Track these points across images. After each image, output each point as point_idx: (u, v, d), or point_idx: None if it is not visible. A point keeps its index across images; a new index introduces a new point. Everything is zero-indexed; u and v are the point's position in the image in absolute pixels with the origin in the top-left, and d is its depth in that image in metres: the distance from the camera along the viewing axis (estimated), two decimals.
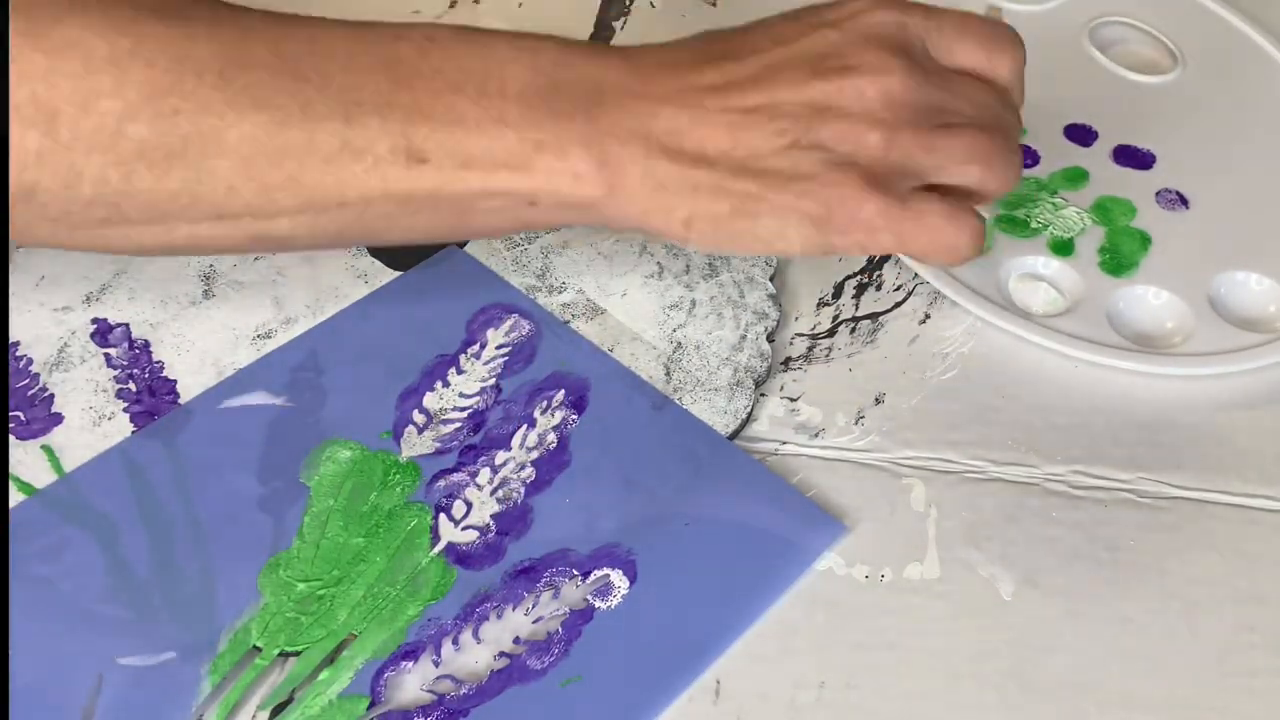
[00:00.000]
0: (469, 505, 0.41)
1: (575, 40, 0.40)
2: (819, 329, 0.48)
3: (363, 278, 0.48)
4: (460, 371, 0.45)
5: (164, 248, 0.40)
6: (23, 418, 0.43)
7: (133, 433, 0.43)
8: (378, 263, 0.49)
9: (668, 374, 0.46)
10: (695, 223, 0.38)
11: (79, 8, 0.36)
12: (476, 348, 0.46)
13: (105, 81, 0.36)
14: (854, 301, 0.49)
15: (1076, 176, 0.54)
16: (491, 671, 0.37)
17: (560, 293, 0.48)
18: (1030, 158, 0.55)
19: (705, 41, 0.40)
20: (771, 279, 0.49)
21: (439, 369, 0.45)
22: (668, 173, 0.37)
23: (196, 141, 0.36)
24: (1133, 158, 0.55)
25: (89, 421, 0.43)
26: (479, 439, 0.43)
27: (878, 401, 0.46)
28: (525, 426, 0.44)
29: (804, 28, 0.39)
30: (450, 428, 0.44)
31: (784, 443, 0.44)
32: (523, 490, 0.42)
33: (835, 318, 0.49)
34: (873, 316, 0.49)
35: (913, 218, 0.37)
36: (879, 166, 0.37)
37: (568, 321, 0.47)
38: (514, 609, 0.39)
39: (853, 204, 0.37)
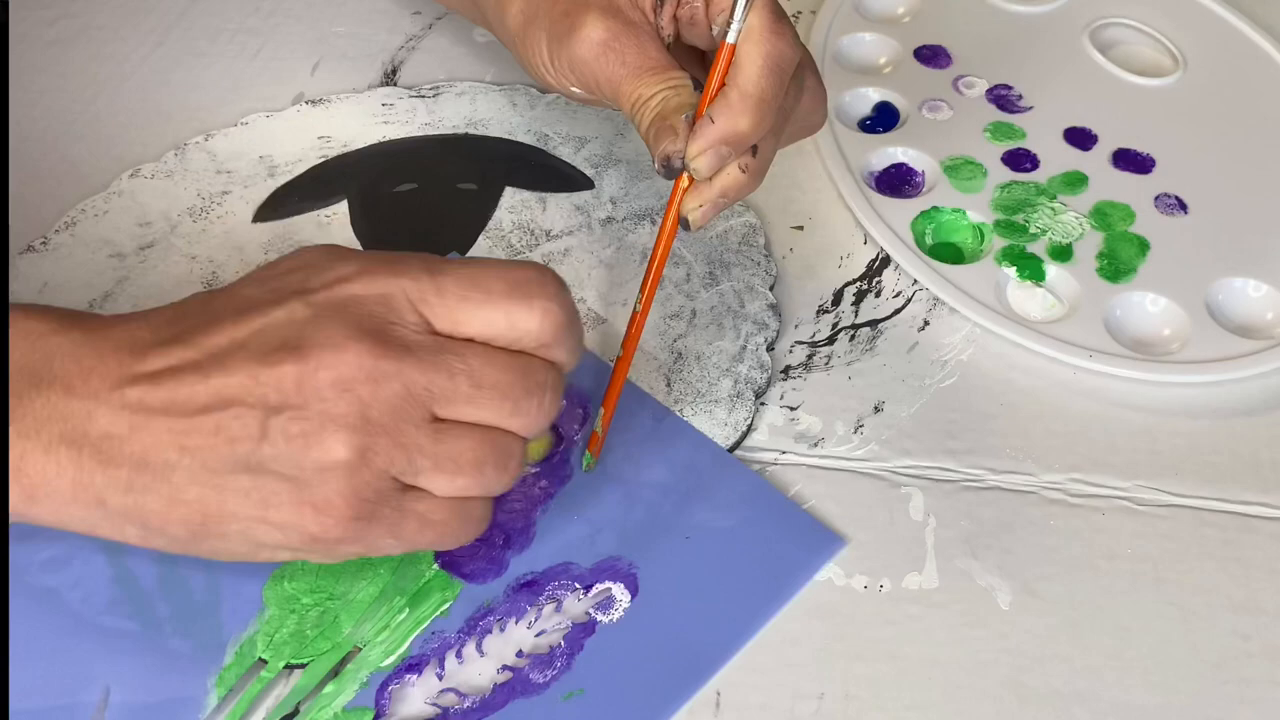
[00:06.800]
0: None
1: (60, 310, 0.35)
2: (818, 336, 0.48)
3: None
4: None
5: None
6: None
7: None
8: None
9: (668, 385, 0.46)
10: (152, 539, 0.34)
11: None
12: None
13: None
14: (853, 308, 0.49)
15: (1075, 181, 0.54)
16: (494, 685, 0.38)
17: None
18: (1029, 161, 0.55)
19: (173, 313, 0.35)
20: (772, 288, 0.49)
21: None
22: (105, 486, 0.33)
23: None
24: (1132, 162, 0.55)
25: None
26: None
27: (877, 410, 0.46)
28: None
29: (275, 296, 0.34)
30: None
31: (784, 452, 0.44)
32: (525, 503, 0.42)
33: (835, 325, 0.49)
34: (872, 324, 0.49)
35: (405, 520, 0.34)
36: (356, 476, 0.33)
37: None
38: (516, 622, 0.39)
39: (329, 520, 0.33)
